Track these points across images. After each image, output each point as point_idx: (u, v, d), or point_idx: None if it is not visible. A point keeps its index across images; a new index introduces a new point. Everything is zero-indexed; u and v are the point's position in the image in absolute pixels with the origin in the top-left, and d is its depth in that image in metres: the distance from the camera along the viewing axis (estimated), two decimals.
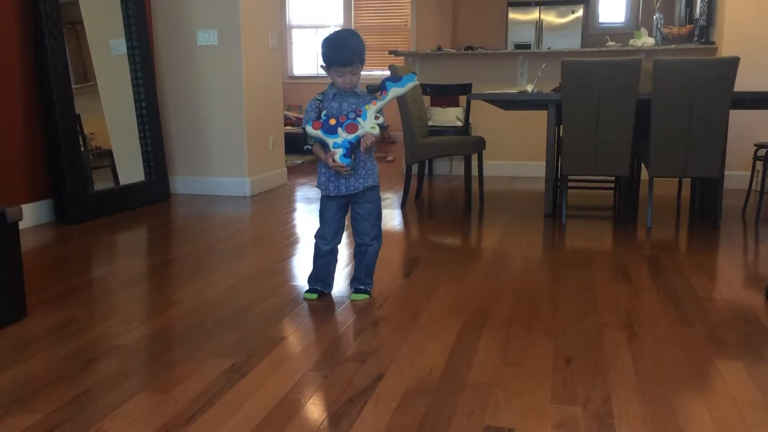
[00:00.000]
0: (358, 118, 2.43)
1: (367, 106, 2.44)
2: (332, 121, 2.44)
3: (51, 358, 2.15)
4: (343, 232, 2.72)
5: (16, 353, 2.19)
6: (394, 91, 2.44)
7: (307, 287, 2.78)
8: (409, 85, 2.45)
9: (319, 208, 2.70)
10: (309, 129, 2.47)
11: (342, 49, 2.47)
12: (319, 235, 2.69)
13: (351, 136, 2.43)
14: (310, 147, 2.57)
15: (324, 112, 2.50)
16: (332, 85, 2.54)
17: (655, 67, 3.94)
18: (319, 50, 2.54)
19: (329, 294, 2.76)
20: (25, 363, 2.12)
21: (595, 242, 3.80)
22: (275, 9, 5.64)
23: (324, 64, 2.52)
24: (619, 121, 4.05)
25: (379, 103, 2.45)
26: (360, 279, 2.75)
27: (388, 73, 4.71)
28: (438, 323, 2.45)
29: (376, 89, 2.42)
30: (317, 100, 2.55)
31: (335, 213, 2.67)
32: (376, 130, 2.45)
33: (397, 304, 2.69)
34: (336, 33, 2.56)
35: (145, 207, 4.73)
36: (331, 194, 2.61)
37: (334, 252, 2.72)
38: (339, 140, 2.43)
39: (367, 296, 2.71)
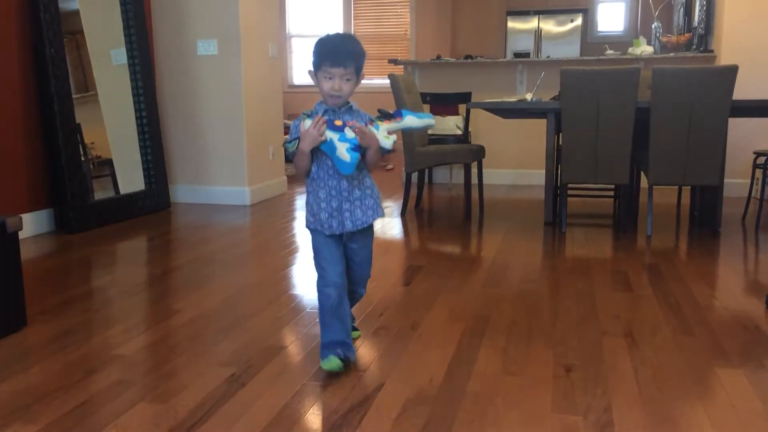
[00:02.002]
0: (370, 127, 2.06)
1: (378, 122, 2.08)
2: (338, 122, 2.04)
3: (50, 368, 2.14)
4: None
5: (15, 363, 2.19)
6: (410, 119, 2.12)
7: (320, 352, 2.14)
8: (426, 121, 2.14)
9: (313, 250, 2.13)
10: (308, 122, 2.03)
11: (334, 47, 2.01)
12: (324, 284, 2.09)
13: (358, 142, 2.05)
14: (289, 148, 2.04)
15: (321, 111, 2.06)
16: (321, 102, 2.08)
17: (654, 76, 3.95)
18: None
19: (354, 361, 2.16)
20: (25, 373, 2.11)
21: (595, 250, 3.79)
22: (275, 18, 5.66)
23: (312, 69, 2.06)
24: (619, 129, 4.06)
25: (393, 125, 2.10)
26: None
27: (387, 82, 4.72)
28: (438, 332, 2.45)
29: (389, 115, 2.14)
30: (304, 114, 2.03)
31: (333, 250, 2.11)
32: (390, 141, 2.07)
33: (397, 313, 2.69)
34: (324, 37, 2.08)
35: (146, 216, 4.73)
36: (336, 232, 2.08)
37: (346, 300, 2.14)
38: (347, 135, 2.02)
39: (358, 332, 2.40)
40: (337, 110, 2.05)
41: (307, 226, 2.13)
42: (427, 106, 5.68)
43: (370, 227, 2.15)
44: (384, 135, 2.08)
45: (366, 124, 2.05)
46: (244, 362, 2.18)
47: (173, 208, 5.07)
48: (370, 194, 2.12)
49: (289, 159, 2.08)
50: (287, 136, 2.07)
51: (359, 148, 2.03)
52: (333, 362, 2.05)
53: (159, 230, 4.38)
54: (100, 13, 4.63)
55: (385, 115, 2.12)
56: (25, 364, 2.18)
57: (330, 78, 2.00)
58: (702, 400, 1.92)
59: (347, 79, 2.01)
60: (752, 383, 2.01)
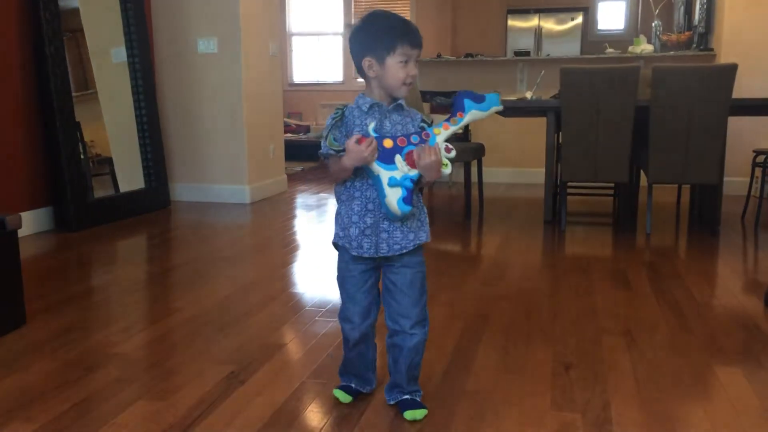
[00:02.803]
0: (425, 142, 1.69)
1: (436, 130, 1.71)
2: (388, 143, 1.65)
3: (50, 366, 2.14)
4: (378, 308, 1.83)
5: (14, 361, 2.19)
6: (472, 114, 1.74)
7: (338, 381, 1.95)
8: (493, 110, 1.77)
9: (337, 273, 1.82)
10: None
11: (404, 24, 1.69)
12: (343, 317, 1.82)
13: (414, 171, 1.66)
14: (328, 154, 1.68)
15: (372, 125, 1.66)
16: (363, 94, 1.72)
17: (654, 74, 3.95)
18: (352, 43, 1.71)
19: (369, 393, 1.93)
20: (24, 371, 2.11)
21: (594, 249, 3.80)
22: (275, 17, 5.66)
23: (370, 58, 1.66)
24: (618, 127, 4.05)
25: (453, 128, 1.73)
26: (402, 387, 1.82)
27: None
28: (437, 330, 2.45)
29: (446, 105, 1.75)
30: (336, 111, 1.69)
31: (363, 281, 1.77)
32: (448, 169, 1.68)
33: None
34: (379, 12, 1.73)
35: (145, 215, 4.74)
36: (365, 254, 1.72)
37: (370, 337, 1.85)
38: (398, 175, 1.64)
39: (425, 410, 1.79)
40: (385, 107, 1.70)
41: (334, 241, 1.79)
42: (428, 105, 5.68)
43: (417, 251, 1.75)
44: (443, 151, 1.69)
45: (420, 140, 1.68)
46: (244, 360, 2.18)
47: (173, 207, 5.07)
48: (418, 214, 1.73)
49: (322, 156, 1.71)
50: (324, 134, 1.69)
51: (413, 186, 1.66)
52: (344, 395, 1.88)
53: (159, 228, 4.38)
54: (100, 11, 4.62)
55: (440, 104, 1.75)
56: (24, 362, 2.18)
57: (406, 62, 1.66)
58: (700, 398, 1.92)
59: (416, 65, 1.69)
60: (750, 381, 2.01)
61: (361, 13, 9.84)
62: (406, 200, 1.64)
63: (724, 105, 3.90)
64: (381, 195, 1.66)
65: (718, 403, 1.89)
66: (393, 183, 1.64)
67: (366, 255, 1.72)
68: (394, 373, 1.82)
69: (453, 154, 1.70)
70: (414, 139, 1.67)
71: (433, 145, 1.67)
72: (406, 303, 1.75)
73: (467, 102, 1.74)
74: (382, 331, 1.84)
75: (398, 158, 1.65)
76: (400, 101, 1.71)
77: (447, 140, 1.71)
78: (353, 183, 1.71)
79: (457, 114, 1.73)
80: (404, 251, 1.72)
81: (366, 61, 1.67)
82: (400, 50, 1.64)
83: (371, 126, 1.66)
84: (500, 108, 1.78)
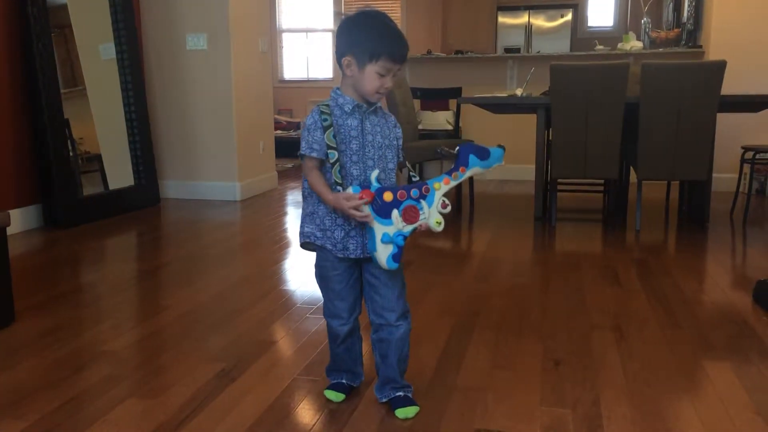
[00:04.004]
0: (422, 201, 1.67)
1: (436, 185, 1.68)
2: (388, 196, 1.63)
3: (39, 364, 2.13)
4: (361, 300, 1.84)
5: (3, 359, 2.18)
6: (474, 171, 1.74)
7: (327, 381, 1.94)
8: (494, 163, 1.79)
9: (317, 272, 1.81)
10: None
11: (397, 36, 1.64)
12: (330, 314, 1.83)
13: (408, 228, 1.65)
14: (310, 156, 1.67)
15: (375, 175, 1.64)
16: (340, 91, 1.70)
17: (643, 71, 3.97)
18: (339, 35, 1.68)
19: (359, 389, 1.94)
20: (13, 369, 2.10)
21: (584, 245, 3.81)
22: (265, 13, 5.64)
23: (352, 57, 1.63)
24: (608, 124, 4.07)
25: (453, 183, 1.71)
26: (396, 382, 1.82)
27: None
28: (428, 327, 2.45)
29: (451, 157, 1.76)
30: (323, 114, 1.65)
31: (348, 276, 1.77)
32: (440, 227, 1.68)
33: None
34: (376, 14, 1.67)
35: (135, 212, 4.71)
36: (351, 255, 1.72)
37: (356, 330, 1.86)
38: (391, 231, 1.63)
39: (417, 408, 1.80)
40: (365, 109, 1.69)
41: (308, 241, 1.75)
42: (418, 102, 5.68)
43: None
44: (436, 217, 1.68)
45: (419, 195, 1.66)
46: (235, 357, 2.18)
47: (163, 204, 5.05)
48: None
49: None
50: (304, 136, 1.67)
51: (404, 243, 1.65)
52: (336, 394, 1.87)
53: (148, 226, 4.37)
54: (88, 7, 4.59)
55: (444, 156, 1.80)
56: (13, 360, 2.17)
57: (383, 75, 1.64)
58: (689, 393, 1.93)
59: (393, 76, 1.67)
60: (739, 376, 2.03)
61: (351, 10, 9.83)
62: (395, 257, 1.65)
63: (713, 102, 3.92)
64: (371, 246, 1.66)
65: (706, 397, 1.90)
66: (386, 240, 1.63)
67: (352, 256, 1.72)
68: (384, 369, 1.81)
69: (448, 209, 1.70)
70: (414, 193, 1.66)
71: (431, 207, 1.67)
72: (391, 296, 1.75)
73: (471, 158, 1.72)
74: (366, 329, 1.84)
75: (395, 213, 1.63)
76: (377, 104, 1.70)
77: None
78: (334, 179, 1.67)
79: (460, 169, 1.72)
80: None
81: (346, 60, 1.65)
82: (383, 62, 1.62)
83: (374, 175, 1.64)
84: (502, 163, 1.80)
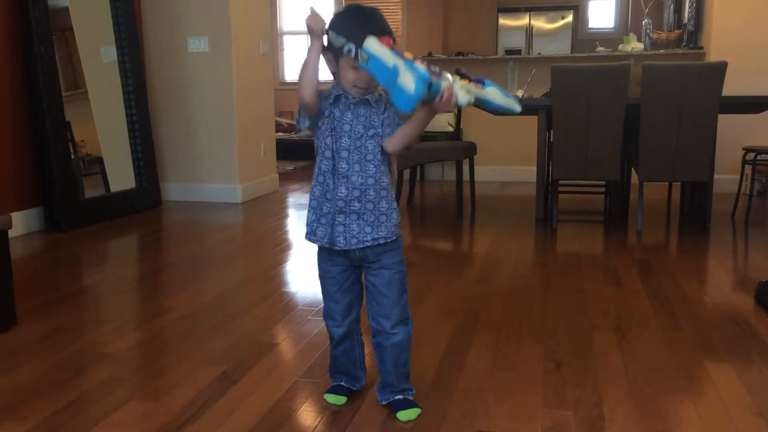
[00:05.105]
0: (445, 73, 1.55)
1: (457, 77, 1.61)
2: (408, 54, 1.51)
3: (41, 367, 2.13)
4: (360, 304, 1.83)
5: (5, 361, 2.18)
6: (492, 92, 1.66)
7: (328, 383, 1.94)
8: (511, 102, 1.70)
9: (318, 272, 1.83)
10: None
11: (374, 18, 1.61)
12: (326, 315, 1.84)
13: (434, 79, 1.51)
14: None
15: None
16: (336, 84, 1.68)
17: (644, 72, 3.97)
18: (328, 29, 1.63)
19: (360, 391, 1.92)
20: (15, 371, 2.10)
21: (585, 246, 3.81)
22: (266, 16, 5.65)
23: (336, 46, 1.60)
24: (609, 125, 4.07)
25: (471, 87, 1.63)
26: (394, 386, 1.81)
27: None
28: (429, 328, 2.45)
29: (468, 77, 1.66)
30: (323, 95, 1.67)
31: (343, 280, 1.77)
32: (465, 99, 1.57)
33: None
34: (353, 7, 1.65)
35: (136, 214, 4.72)
36: (318, 243, 1.74)
37: (354, 334, 1.85)
38: (418, 68, 1.47)
39: (418, 410, 1.79)
40: (351, 100, 1.66)
41: (306, 238, 1.78)
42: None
43: (387, 248, 1.71)
44: (462, 88, 1.57)
45: (438, 74, 1.52)
46: (236, 359, 2.18)
47: (164, 206, 5.06)
48: (372, 209, 1.68)
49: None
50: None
51: (427, 87, 1.47)
52: (332, 398, 1.87)
53: (150, 228, 4.37)
54: (90, 9, 4.60)
55: (463, 76, 1.65)
56: (15, 363, 2.17)
57: (357, 67, 1.58)
58: (691, 394, 1.93)
59: None
60: (740, 377, 2.03)
61: None
62: (423, 82, 1.45)
63: (714, 103, 3.92)
64: (393, 79, 1.47)
65: (708, 398, 1.90)
66: (409, 66, 1.46)
67: (319, 244, 1.73)
68: (383, 372, 1.81)
69: (471, 97, 1.58)
70: (433, 68, 1.52)
71: (454, 82, 1.56)
72: (386, 304, 1.74)
73: (487, 82, 1.67)
74: (369, 331, 1.84)
75: (418, 62, 1.48)
76: (367, 97, 1.67)
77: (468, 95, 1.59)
78: (319, 165, 1.70)
79: (477, 84, 1.64)
80: (360, 246, 1.69)
81: (327, 55, 1.65)
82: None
83: (402, 64, 1.50)
84: (517, 110, 1.71)
